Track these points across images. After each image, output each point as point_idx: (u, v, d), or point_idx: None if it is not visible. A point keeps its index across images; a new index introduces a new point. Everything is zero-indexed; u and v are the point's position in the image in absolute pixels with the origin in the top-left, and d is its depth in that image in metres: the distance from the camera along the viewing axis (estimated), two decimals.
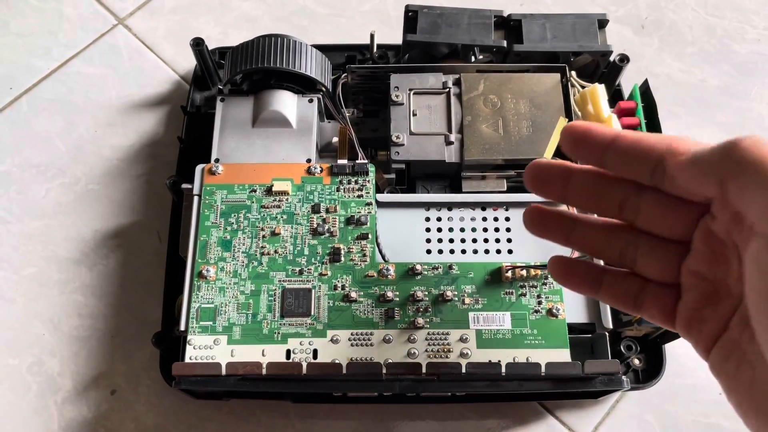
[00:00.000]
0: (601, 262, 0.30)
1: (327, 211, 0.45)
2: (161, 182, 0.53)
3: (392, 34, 0.55)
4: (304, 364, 0.40)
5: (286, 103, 0.49)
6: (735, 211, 0.23)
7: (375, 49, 0.55)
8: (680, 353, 0.49)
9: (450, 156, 0.47)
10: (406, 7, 0.52)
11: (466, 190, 0.48)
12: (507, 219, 0.47)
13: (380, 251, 0.45)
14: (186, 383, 0.41)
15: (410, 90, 0.49)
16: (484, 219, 0.47)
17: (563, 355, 0.41)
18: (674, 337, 0.45)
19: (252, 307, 0.42)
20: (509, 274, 0.43)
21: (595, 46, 0.51)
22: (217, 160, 0.47)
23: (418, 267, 0.43)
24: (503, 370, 0.40)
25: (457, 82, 0.50)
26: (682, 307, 0.26)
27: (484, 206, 0.47)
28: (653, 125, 0.49)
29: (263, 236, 0.44)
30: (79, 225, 0.53)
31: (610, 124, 0.46)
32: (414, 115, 0.49)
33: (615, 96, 0.54)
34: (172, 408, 0.47)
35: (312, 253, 0.44)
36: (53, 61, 0.60)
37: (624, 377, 0.41)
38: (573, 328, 0.43)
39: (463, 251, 0.46)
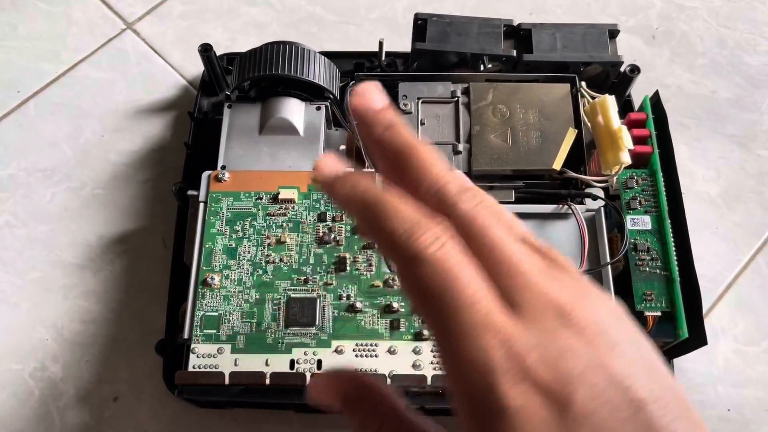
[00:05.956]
0: None
1: (333, 219, 0.45)
2: (167, 188, 0.53)
3: (401, 42, 0.55)
4: (308, 375, 0.40)
5: (293, 110, 0.49)
6: None
7: (383, 57, 0.55)
8: (688, 368, 0.48)
9: (458, 166, 0.47)
10: (416, 15, 0.52)
11: None
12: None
13: (386, 261, 0.44)
14: (189, 392, 0.40)
15: (418, 99, 0.49)
16: None
17: None
18: (684, 351, 0.44)
19: (256, 316, 0.42)
20: None
21: (606, 57, 0.51)
22: (223, 167, 0.47)
23: None
24: None
25: (466, 92, 0.49)
26: None
27: None
28: (664, 137, 0.48)
29: (268, 244, 0.44)
30: (84, 230, 0.53)
31: (620, 135, 0.46)
32: (422, 124, 0.48)
33: (625, 107, 0.54)
34: (175, 416, 0.47)
35: (317, 262, 0.44)
36: (61, 65, 0.60)
37: None
38: None
39: None
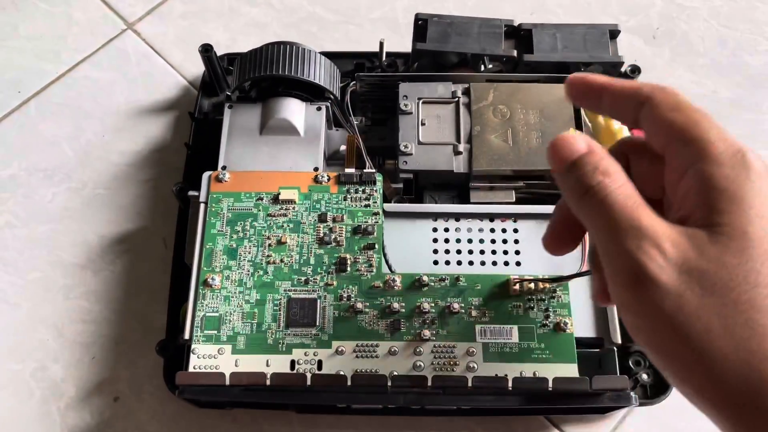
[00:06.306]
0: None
1: (334, 220, 0.45)
2: (168, 188, 0.53)
3: (402, 42, 0.55)
4: (309, 375, 0.40)
5: (293, 110, 0.49)
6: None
7: (384, 57, 0.55)
8: None
9: (458, 166, 0.47)
10: (416, 15, 0.52)
11: (474, 200, 0.47)
12: (515, 230, 0.46)
13: (387, 262, 0.44)
14: (189, 392, 0.40)
15: (419, 99, 0.49)
16: (492, 230, 0.46)
17: (571, 369, 0.40)
18: None
19: (257, 316, 0.42)
20: (517, 287, 0.42)
21: (606, 57, 0.51)
22: (224, 168, 0.47)
23: (425, 278, 0.43)
24: (510, 384, 0.39)
25: (467, 92, 0.49)
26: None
27: (492, 217, 0.47)
28: None
29: (269, 245, 0.44)
30: (85, 230, 0.53)
31: (620, 135, 0.46)
32: (422, 124, 0.48)
33: None
34: (175, 417, 0.47)
35: (318, 263, 0.44)
36: (62, 65, 0.60)
37: (632, 393, 0.40)
38: (581, 342, 0.42)
39: (471, 263, 0.45)
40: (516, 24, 0.52)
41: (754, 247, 0.23)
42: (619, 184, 0.26)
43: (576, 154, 0.27)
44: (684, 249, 0.23)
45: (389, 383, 0.40)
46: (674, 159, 0.26)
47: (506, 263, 0.45)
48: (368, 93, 0.52)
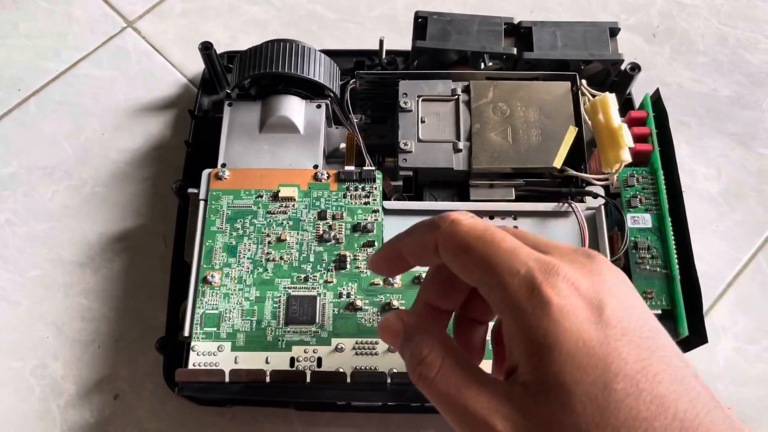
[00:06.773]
0: None
1: (333, 217, 0.45)
2: (168, 186, 0.53)
3: (401, 40, 0.55)
4: (308, 372, 0.40)
5: (293, 108, 0.49)
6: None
7: (384, 55, 0.55)
8: None
9: (458, 164, 0.47)
10: (416, 13, 0.52)
11: (473, 198, 0.47)
12: (515, 228, 0.46)
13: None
14: (189, 390, 0.40)
15: (419, 97, 0.49)
16: None
17: None
18: (684, 349, 0.44)
19: (256, 313, 0.42)
20: None
21: (606, 55, 0.51)
22: (223, 165, 0.47)
23: (424, 275, 0.43)
24: None
25: (466, 90, 0.49)
26: None
27: (492, 215, 0.47)
28: (664, 135, 0.48)
29: (269, 242, 0.44)
30: (84, 228, 0.53)
31: (620, 133, 0.46)
32: (422, 122, 0.48)
33: (626, 105, 0.54)
34: (175, 414, 0.47)
35: (317, 260, 0.44)
36: (62, 63, 0.60)
37: None
38: None
39: None
40: (516, 22, 0.52)
41: (573, 393, 0.22)
42: (436, 370, 0.25)
43: (395, 344, 0.28)
44: (515, 421, 0.23)
45: (389, 380, 0.40)
46: (489, 301, 0.25)
47: None
48: (368, 91, 0.52)
